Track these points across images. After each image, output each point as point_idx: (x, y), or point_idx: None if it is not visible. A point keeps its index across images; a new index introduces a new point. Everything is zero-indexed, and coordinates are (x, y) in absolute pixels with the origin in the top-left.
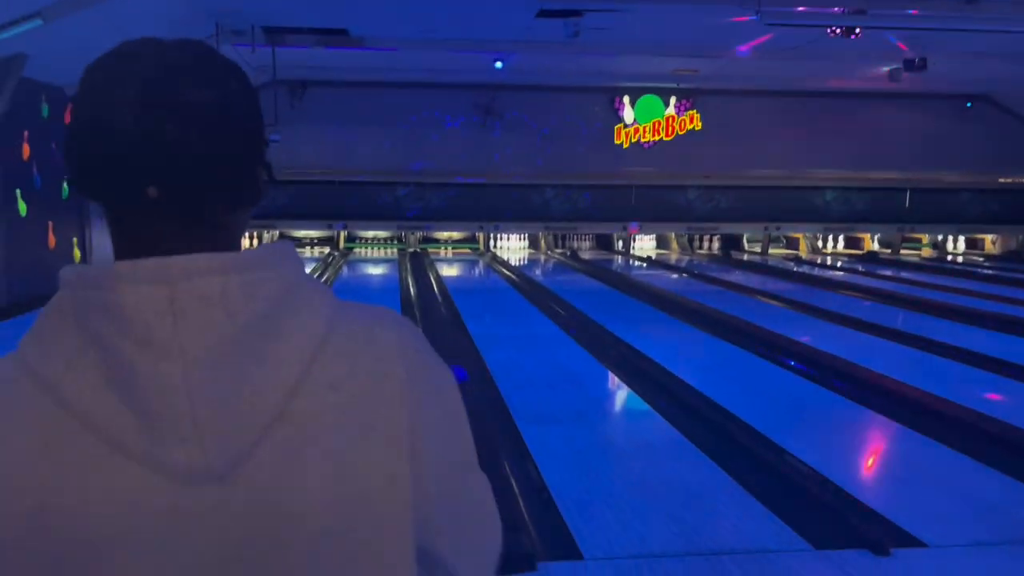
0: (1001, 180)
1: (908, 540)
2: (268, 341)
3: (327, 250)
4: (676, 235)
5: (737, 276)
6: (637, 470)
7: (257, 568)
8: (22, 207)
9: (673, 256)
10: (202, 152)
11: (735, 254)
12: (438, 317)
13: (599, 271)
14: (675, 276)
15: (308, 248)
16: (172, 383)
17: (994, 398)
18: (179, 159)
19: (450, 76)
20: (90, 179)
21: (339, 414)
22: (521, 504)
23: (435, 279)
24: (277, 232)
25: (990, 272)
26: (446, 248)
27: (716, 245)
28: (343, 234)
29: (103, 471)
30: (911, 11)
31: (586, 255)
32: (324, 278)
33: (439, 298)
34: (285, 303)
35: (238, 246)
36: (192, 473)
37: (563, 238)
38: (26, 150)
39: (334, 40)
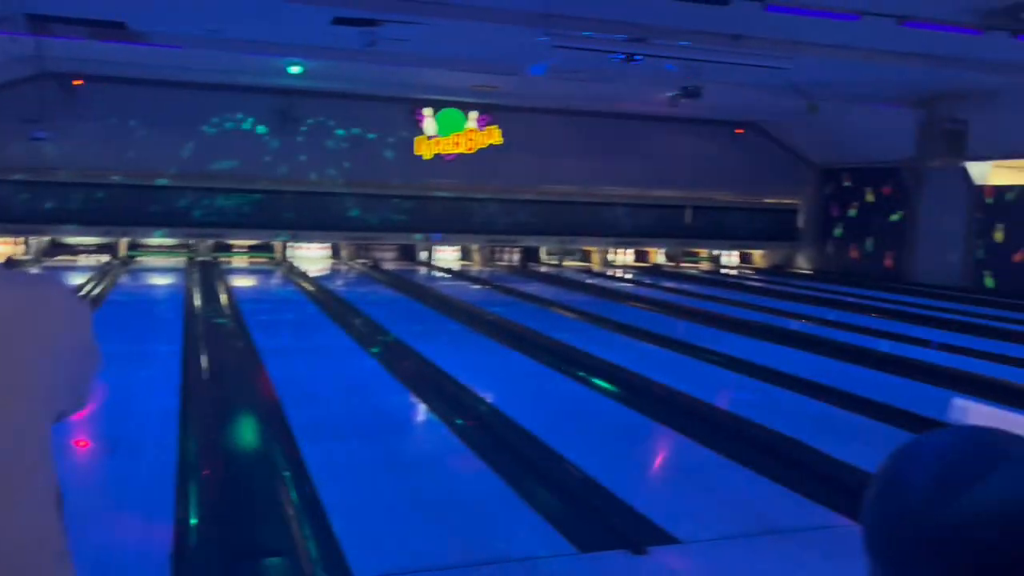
0: (766, 200)
1: (663, 538)
2: None
3: (106, 258)
4: (477, 247)
5: (534, 287)
6: (419, 484)
7: None
8: None
9: (474, 267)
10: None
11: (533, 266)
12: (224, 329)
13: (401, 282)
14: (475, 287)
15: (84, 256)
16: None
17: (750, 400)
18: None
19: (246, 78)
20: None
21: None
22: (294, 526)
23: (225, 290)
24: (48, 237)
25: (758, 284)
26: (240, 257)
27: (516, 257)
28: (124, 241)
29: None
30: (685, 43)
31: (389, 266)
32: (100, 288)
33: (227, 310)
34: None
35: None
36: None
37: (366, 248)
38: None
39: (110, 33)
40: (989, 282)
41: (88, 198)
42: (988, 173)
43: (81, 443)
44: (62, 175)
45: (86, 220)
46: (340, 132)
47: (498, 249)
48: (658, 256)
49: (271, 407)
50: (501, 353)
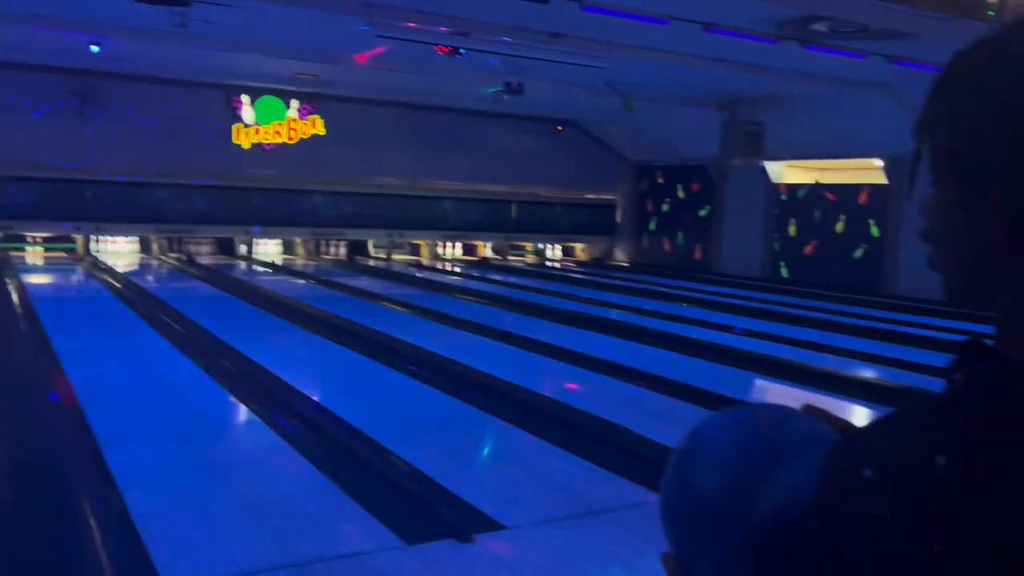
0: (587, 196)
1: (490, 524)
2: None
3: None
4: (302, 240)
5: (362, 281)
6: (236, 485)
7: None
8: None
9: (299, 261)
10: None
11: (360, 260)
12: (16, 331)
13: (219, 277)
14: (300, 282)
15: None
16: None
17: (572, 387)
18: None
19: (39, 57)
20: None
21: None
22: (98, 537)
23: (16, 287)
24: None
25: (580, 276)
26: (35, 250)
27: (343, 251)
28: None
29: None
30: (506, 39)
31: (205, 260)
32: None
33: (19, 309)
34: None
35: None
36: None
37: (179, 242)
38: None
39: None
40: (784, 272)
41: None
42: (783, 172)
43: None
44: None
45: None
46: (148, 118)
47: (323, 243)
48: (485, 249)
49: (71, 413)
50: (325, 348)
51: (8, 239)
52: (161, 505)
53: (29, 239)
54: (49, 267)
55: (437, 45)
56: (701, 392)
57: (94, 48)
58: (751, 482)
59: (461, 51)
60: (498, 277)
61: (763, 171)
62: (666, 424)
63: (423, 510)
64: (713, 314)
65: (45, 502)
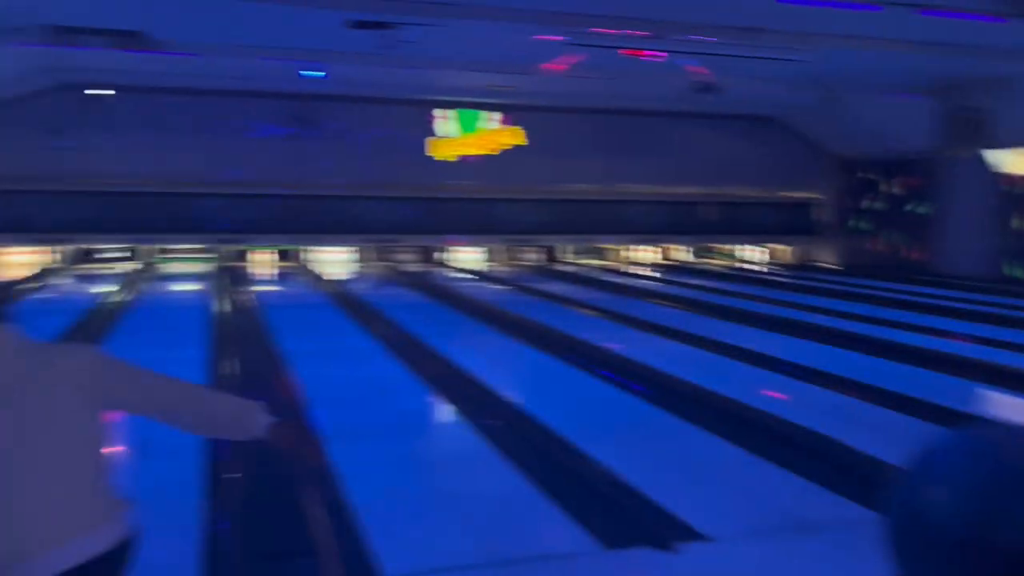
0: (784, 195)
1: (691, 535)
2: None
3: (131, 265)
4: (499, 247)
5: (556, 287)
6: (444, 484)
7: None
8: None
9: (496, 268)
10: None
11: (555, 265)
12: (247, 333)
13: (421, 284)
14: (497, 288)
15: (110, 264)
16: None
17: (775, 395)
18: None
19: (263, 84)
20: None
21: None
22: (321, 527)
23: (248, 294)
24: (76, 245)
25: (782, 279)
26: (261, 262)
27: (538, 257)
28: (150, 248)
29: None
30: (701, 38)
31: (409, 268)
32: (125, 296)
33: (250, 314)
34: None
35: None
36: None
37: (386, 251)
38: None
39: (126, 42)
40: (1014, 271)
41: (112, 207)
42: (1010, 161)
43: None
44: (85, 184)
45: (111, 228)
46: (357, 135)
47: (520, 249)
48: (678, 252)
49: (297, 409)
50: (524, 353)
51: (240, 253)
52: (377, 498)
53: (256, 251)
54: (273, 276)
55: (630, 50)
56: (921, 403)
57: (313, 74)
58: (998, 514)
59: (654, 54)
60: (694, 281)
61: (986, 160)
62: (883, 438)
63: (622, 515)
64: (932, 318)
65: (274, 491)
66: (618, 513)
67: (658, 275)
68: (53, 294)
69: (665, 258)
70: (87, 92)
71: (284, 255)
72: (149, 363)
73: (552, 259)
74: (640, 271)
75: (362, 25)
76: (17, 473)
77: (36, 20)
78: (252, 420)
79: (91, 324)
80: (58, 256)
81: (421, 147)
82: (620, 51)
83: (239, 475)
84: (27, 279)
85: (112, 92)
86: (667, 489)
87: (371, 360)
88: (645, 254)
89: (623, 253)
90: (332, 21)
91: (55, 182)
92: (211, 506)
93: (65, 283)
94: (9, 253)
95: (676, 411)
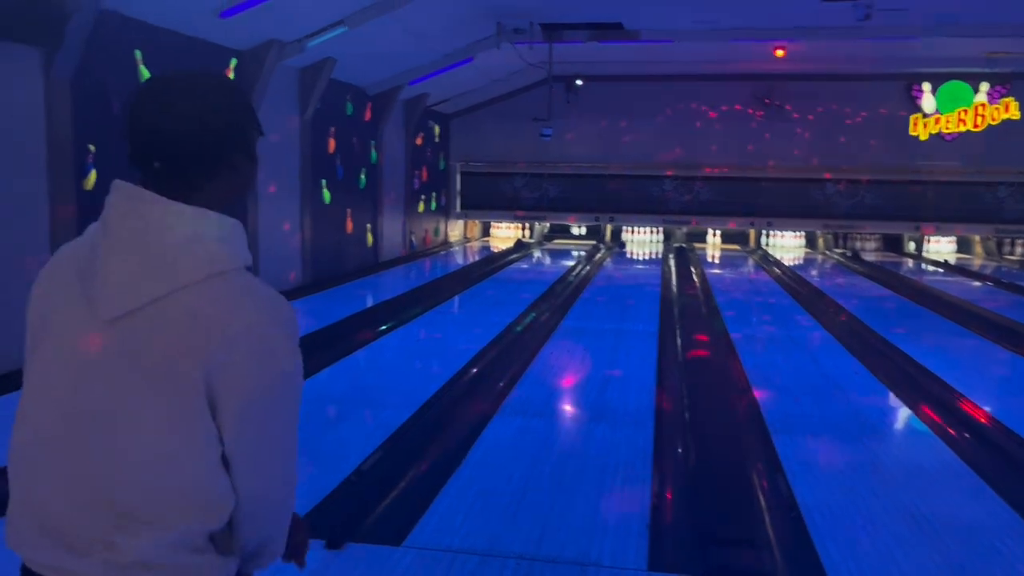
0: None
1: None
2: (161, 261)
3: (593, 242)
4: (980, 238)
5: None
6: (903, 495)
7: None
8: (326, 195)
9: (976, 261)
10: (184, 142)
11: None
12: (697, 313)
13: (884, 275)
14: (976, 284)
15: (574, 239)
16: (99, 261)
17: None
18: (168, 146)
19: (724, 67)
20: (130, 155)
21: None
22: (767, 520)
23: (699, 275)
24: (547, 224)
25: None
26: (715, 244)
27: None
28: (609, 227)
29: (67, 290)
30: None
31: (870, 257)
32: (587, 270)
33: (700, 295)
34: (183, 242)
35: (210, 204)
36: (95, 311)
37: (844, 237)
38: (331, 144)
39: (609, 34)
40: None
41: (581, 188)
42: None
43: (569, 408)
44: (561, 168)
45: (579, 208)
46: (820, 115)
47: (1006, 241)
48: None
49: (743, 395)
50: (1011, 362)
51: (692, 235)
52: (827, 501)
53: (710, 233)
54: (724, 258)
55: None
56: None
57: (778, 52)
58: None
59: None
60: None
61: None
62: None
63: None
64: None
65: (723, 475)
66: None
67: None
68: (528, 265)
69: None
70: (575, 83)
71: (738, 238)
72: (608, 334)
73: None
74: None
75: None
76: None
77: (534, 20)
78: (267, 555)
79: (557, 292)
80: (528, 232)
81: (893, 125)
82: None
83: (682, 450)
84: (509, 251)
85: (580, 82)
86: None
87: (825, 351)
88: None
89: None
90: None
91: (537, 166)
92: (659, 480)
93: (537, 255)
94: (498, 227)
95: None
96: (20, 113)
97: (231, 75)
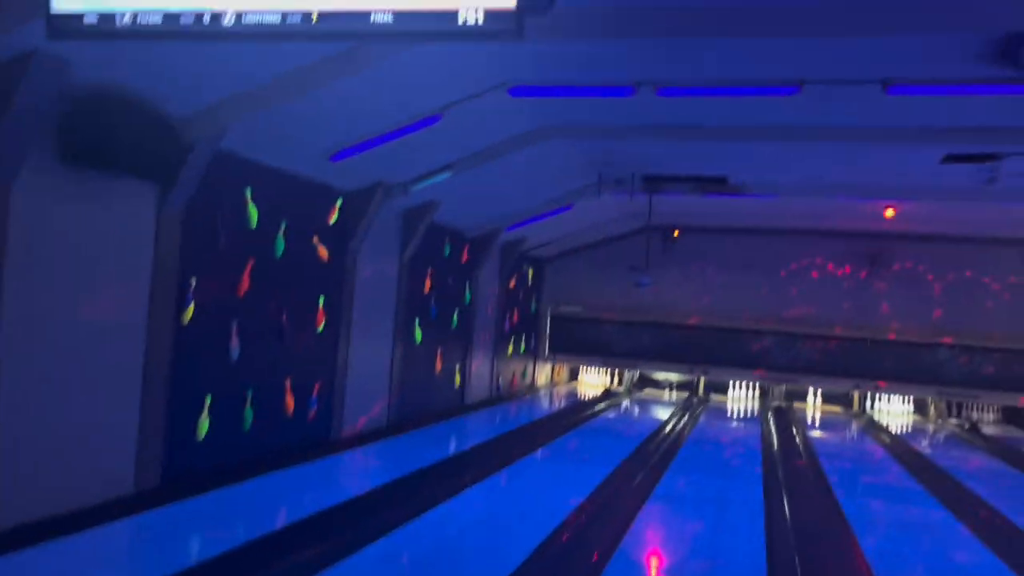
0: None
1: None
2: None
3: (686, 394)
4: None
5: None
6: None
7: None
8: (418, 334)
9: None
10: None
11: None
12: (805, 482)
13: (1007, 451)
14: None
15: (667, 391)
16: None
17: None
18: None
19: (830, 223)
20: None
21: None
22: None
23: (802, 439)
24: (637, 372)
25: None
26: (816, 405)
27: None
28: (702, 380)
29: None
30: None
31: (989, 429)
32: (681, 425)
33: (805, 461)
34: None
35: None
36: None
37: (959, 407)
38: (427, 284)
39: (711, 188)
40: None
41: (672, 338)
42: None
43: None
44: (652, 316)
45: (671, 358)
46: (935, 277)
47: None
48: None
49: None
50: None
51: (791, 394)
52: None
53: (810, 392)
54: (827, 421)
55: None
56: None
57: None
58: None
59: None
60: None
61: None
62: None
63: None
64: None
65: None
66: None
67: None
68: (616, 414)
69: None
70: (673, 234)
71: (841, 400)
72: (705, 500)
73: None
74: None
75: (958, 159)
76: None
77: (636, 172)
78: None
79: (649, 448)
80: (616, 380)
81: (1012, 291)
82: None
83: None
84: (596, 399)
85: (678, 233)
86: None
87: (953, 540)
88: None
89: None
90: (926, 155)
91: (630, 313)
92: None
93: (625, 405)
94: (586, 372)
95: None
96: (131, 244)
97: (336, 214)
